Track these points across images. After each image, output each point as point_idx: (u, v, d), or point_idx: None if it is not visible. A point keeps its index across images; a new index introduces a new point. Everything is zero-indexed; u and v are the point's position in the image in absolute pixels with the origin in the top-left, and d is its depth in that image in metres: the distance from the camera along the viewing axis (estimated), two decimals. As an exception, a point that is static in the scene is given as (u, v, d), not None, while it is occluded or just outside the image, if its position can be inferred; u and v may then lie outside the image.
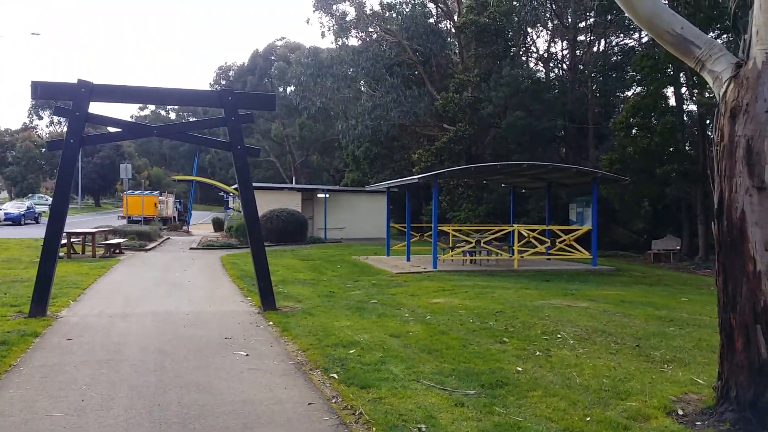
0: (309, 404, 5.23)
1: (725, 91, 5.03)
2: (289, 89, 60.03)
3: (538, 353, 7.23)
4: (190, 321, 9.02)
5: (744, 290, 4.74)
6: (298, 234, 28.29)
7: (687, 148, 26.98)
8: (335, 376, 6.01)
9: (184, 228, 40.20)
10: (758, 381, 4.59)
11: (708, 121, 25.67)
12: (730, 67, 5.03)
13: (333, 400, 5.35)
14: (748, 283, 4.71)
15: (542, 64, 41.13)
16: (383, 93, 35.23)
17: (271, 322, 8.88)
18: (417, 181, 17.27)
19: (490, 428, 4.66)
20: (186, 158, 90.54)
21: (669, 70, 25.66)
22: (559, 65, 41.30)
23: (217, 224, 40.33)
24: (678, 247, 26.48)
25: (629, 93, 39.51)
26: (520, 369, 6.50)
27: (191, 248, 24.68)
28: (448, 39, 39.83)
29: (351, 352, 7.01)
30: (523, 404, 5.30)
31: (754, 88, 4.78)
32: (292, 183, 49.22)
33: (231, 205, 42.05)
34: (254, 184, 31.16)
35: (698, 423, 4.81)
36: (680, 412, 5.10)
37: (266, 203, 28.27)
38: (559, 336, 8.15)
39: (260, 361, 6.68)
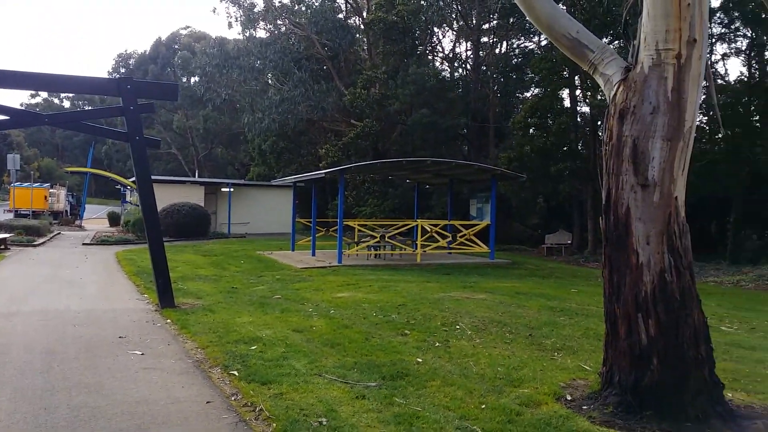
0: (207, 402, 5.13)
1: (615, 94, 5.35)
2: (193, 80, 58.18)
3: (437, 344, 7.42)
4: (82, 320, 8.60)
5: (628, 281, 5.07)
6: (200, 228, 27.54)
7: (579, 147, 28.38)
8: (235, 373, 5.92)
9: (77, 222, 38.18)
10: (638, 366, 4.92)
11: (599, 122, 27.14)
12: (620, 70, 5.35)
13: (233, 398, 5.27)
14: (632, 275, 5.04)
15: (447, 64, 42.07)
16: (291, 87, 34.83)
17: (169, 320, 8.61)
18: (324, 175, 17.24)
19: (390, 419, 4.75)
20: (81, 149, 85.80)
21: (565, 72, 26.94)
22: (463, 65, 42.42)
23: (113, 219, 38.58)
24: (569, 242, 27.88)
25: (528, 94, 41.23)
26: (420, 360, 6.65)
27: (84, 244, 23.50)
28: (357, 35, 39.91)
29: (252, 348, 6.92)
30: (422, 394, 5.43)
31: (641, 91, 5.11)
32: (194, 176, 47.76)
33: (128, 198, 40.29)
34: (154, 177, 30.02)
35: (584, 407, 5.11)
36: (569, 398, 5.39)
37: (167, 197, 27.31)
38: (457, 327, 8.40)
39: (156, 360, 6.47)
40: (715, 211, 32.45)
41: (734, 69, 51.62)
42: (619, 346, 5.11)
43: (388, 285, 12.55)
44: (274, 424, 4.58)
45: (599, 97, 24.12)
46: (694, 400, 4.77)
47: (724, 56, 27.14)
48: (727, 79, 29.58)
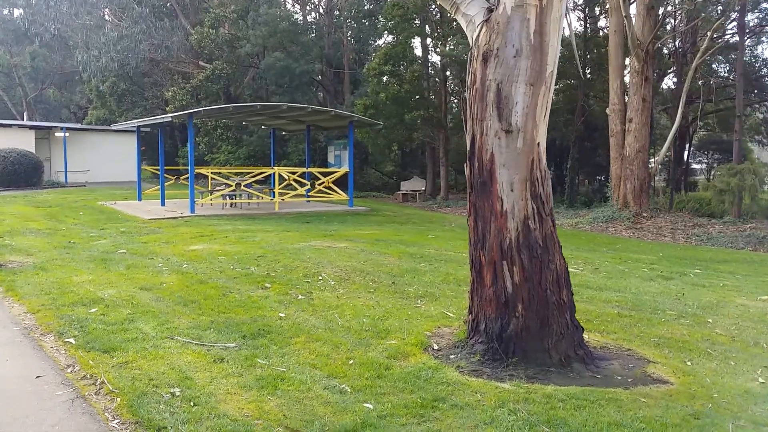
0: (37, 377, 4.47)
1: (478, 35, 5.17)
2: (17, 12, 51.75)
3: (300, 297, 7.13)
4: None
5: (492, 228, 5.02)
6: (31, 177, 24.90)
7: (431, 96, 28.84)
8: (72, 341, 5.25)
9: None
10: (504, 313, 4.94)
11: (448, 72, 27.72)
12: (483, 11, 5.17)
13: (69, 370, 4.64)
14: (496, 222, 5.00)
15: (299, 6, 40.72)
16: (131, 23, 31.96)
17: (-9, 282, 7.56)
18: (171, 120, 16.00)
19: (252, 383, 4.40)
20: None
21: (416, 21, 27.00)
22: (315, 9, 41.32)
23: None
24: (423, 188, 28.60)
25: (380, 42, 41.17)
26: (282, 315, 6.32)
27: None
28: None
29: (92, 311, 6.21)
30: (286, 353, 5.13)
31: (504, 33, 4.97)
32: (23, 120, 42.91)
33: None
34: (-29, 120, 26.41)
35: (452, 356, 5.07)
36: (435, 347, 5.34)
37: (-10, 143, 24.36)
38: (320, 278, 8.15)
39: (-25, 330, 5.60)
40: (553, 158, 34.73)
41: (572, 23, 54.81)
42: (484, 294, 5.09)
43: (245, 236, 12.00)
44: (119, 399, 4.06)
45: (449, 48, 24.50)
46: (557, 344, 4.88)
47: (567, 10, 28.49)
48: (564, 33, 31.25)
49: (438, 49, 25.04)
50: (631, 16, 20.28)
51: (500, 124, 4.99)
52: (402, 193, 27.78)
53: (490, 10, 5.13)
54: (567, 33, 29.37)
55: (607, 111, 21.38)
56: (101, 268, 8.53)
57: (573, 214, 21.52)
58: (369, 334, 5.73)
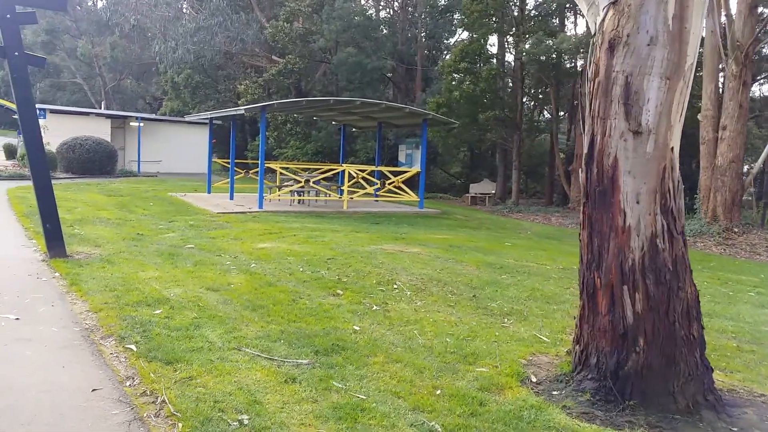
0: (93, 390, 4.02)
1: (603, 20, 4.44)
2: (100, 4, 53.48)
3: (375, 307, 6.55)
4: (-53, 272, 7.15)
5: (611, 246, 4.29)
6: (106, 166, 25.38)
7: (506, 96, 27.86)
8: (133, 347, 4.81)
9: (-34, 155, 34.59)
10: (621, 347, 4.20)
11: (524, 72, 26.68)
12: (608, -7, 4.44)
13: (128, 383, 4.18)
14: (617, 239, 4.27)
15: (373, 2, 40.36)
16: (208, 15, 32.27)
17: (57, 273, 7.28)
18: (243, 112, 15.75)
19: (329, 413, 3.83)
20: (-27, 75, 78.24)
21: (494, 18, 26.07)
22: (390, 5, 40.84)
23: (9, 151, 35.18)
24: (493, 192, 27.65)
25: (452, 39, 40.32)
26: (357, 328, 5.76)
27: (-29, 178, 21.04)
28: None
29: (157, 312, 5.80)
30: (364, 375, 4.54)
31: (636, 17, 4.23)
32: (101, 109, 44.24)
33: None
34: (54, 107, 27.21)
35: (555, 393, 4.37)
36: (534, 379, 4.65)
37: (69, 130, 24.94)
38: (395, 286, 7.55)
39: (34, 328, 5.24)
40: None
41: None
42: (598, 323, 4.36)
43: (314, 235, 11.54)
44: (180, 425, 3.55)
45: (528, 45, 23.47)
46: (684, 387, 4.11)
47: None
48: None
49: (518, 47, 23.98)
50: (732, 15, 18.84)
51: (627, 123, 4.25)
52: (471, 196, 26.92)
53: (618, -9, 4.39)
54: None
55: (699, 117, 19.98)
56: (168, 263, 8.19)
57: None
58: (455, 357, 5.09)
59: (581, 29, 32.98)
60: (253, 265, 8.45)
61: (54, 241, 8.02)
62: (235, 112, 16.00)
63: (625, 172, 4.27)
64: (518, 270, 9.23)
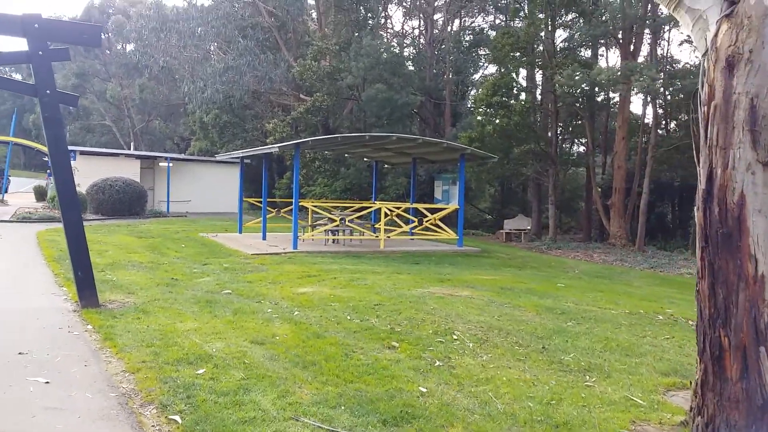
0: (135, 480, 3.41)
1: (715, 36, 3.85)
2: (128, 47, 54.43)
3: (437, 363, 5.88)
4: (-27, 325, 6.65)
5: (740, 299, 3.62)
6: (135, 206, 25.17)
7: (539, 130, 27.30)
8: (177, 419, 4.20)
9: (-1, 197, 34.84)
10: (761, 422, 3.48)
11: (559, 104, 26.11)
12: (719, 3, 3.85)
13: (175, 468, 3.56)
14: (747, 290, 3.59)
15: (396, 40, 40.39)
16: (236, 55, 32.46)
17: (90, 326, 6.74)
18: (277, 150, 15.35)
19: None
20: (8, 118, 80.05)
21: (525, 51, 25.66)
22: (416, 41, 40.87)
23: (40, 193, 35.47)
24: (528, 227, 26.86)
25: (476, 76, 40.12)
26: (423, 389, 5.09)
27: (2, 221, 20.89)
28: (307, 2, 37.65)
29: (200, 372, 5.19)
30: (446, 454, 3.86)
31: (759, 30, 3.63)
32: (130, 149, 44.59)
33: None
34: (85, 149, 27.24)
35: (682, 478, 3.65)
36: (648, 458, 3.93)
37: (99, 171, 24.89)
38: (454, 337, 6.87)
39: (66, 394, 4.66)
40: (672, 198, 32.18)
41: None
42: (727, 391, 3.66)
43: (355, 277, 10.92)
44: None
45: (562, 77, 22.92)
46: None
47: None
48: (683, 62, 29.04)
49: (552, 80, 23.45)
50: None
51: (755, 153, 3.61)
52: (505, 232, 26.14)
53: (732, 2, 3.79)
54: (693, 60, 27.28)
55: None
56: (206, 312, 7.62)
57: (705, 261, 19.23)
58: (545, 428, 4.39)
59: (612, 61, 32.37)
60: (296, 312, 7.84)
61: (86, 290, 7.51)
62: (269, 150, 15.61)
63: (754, 211, 3.62)
64: (582, 316, 8.48)
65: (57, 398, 4.55)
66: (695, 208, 3.92)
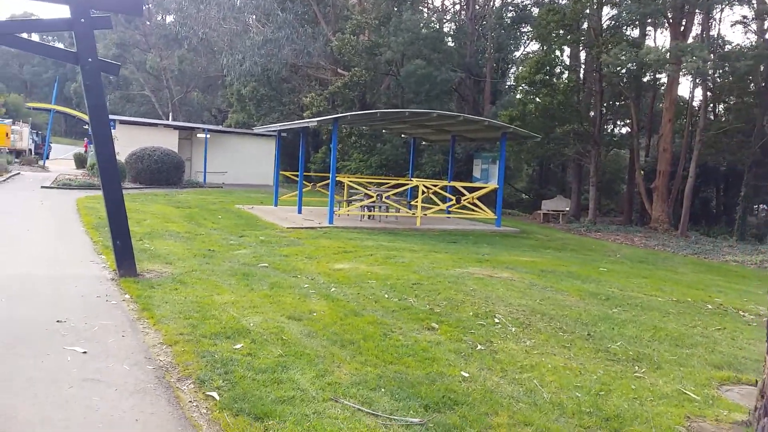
0: (173, 458, 3.31)
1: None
2: (168, 19, 54.69)
3: (479, 347, 5.69)
4: (11, 291, 6.65)
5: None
6: (173, 176, 25.35)
7: (583, 110, 26.63)
8: (215, 395, 4.09)
9: (40, 163, 35.52)
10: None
11: (604, 84, 25.35)
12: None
13: (211, 448, 3.46)
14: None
15: (437, 15, 39.65)
16: (275, 28, 32.21)
17: (127, 295, 6.71)
18: (315, 124, 15.18)
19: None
20: (51, 86, 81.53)
21: (570, 28, 24.91)
22: (457, 16, 40.10)
23: (79, 161, 36.05)
24: (567, 209, 26.32)
25: (518, 53, 39.26)
26: (466, 374, 4.91)
27: (43, 187, 21.23)
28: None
29: (238, 347, 5.10)
30: (492, 444, 3.69)
31: None
32: (169, 120, 44.96)
33: (96, 140, 37.62)
34: (124, 118, 27.47)
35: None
36: (710, 459, 3.70)
37: (138, 140, 25.10)
38: (496, 320, 6.66)
39: (103, 365, 4.60)
40: (715, 183, 31.23)
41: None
42: (802, 392, 3.39)
43: (391, 255, 10.75)
44: None
45: (609, 56, 22.18)
46: None
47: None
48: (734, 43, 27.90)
49: (598, 58, 22.71)
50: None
51: None
52: (543, 213, 25.67)
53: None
54: (747, 41, 26.15)
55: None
56: (243, 285, 7.54)
57: (753, 249, 18.60)
58: (595, 421, 4.18)
59: (660, 41, 31.16)
60: (333, 289, 7.71)
61: (124, 259, 7.49)
62: (306, 124, 15.44)
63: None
64: (627, 302, 8.18)
65: (94, 369, 4.49)
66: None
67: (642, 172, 26.37)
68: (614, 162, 34.46)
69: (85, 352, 4.82)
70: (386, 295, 7.50)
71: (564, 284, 9.14)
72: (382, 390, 4.45)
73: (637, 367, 5.46)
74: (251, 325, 5.79)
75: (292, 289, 7.49)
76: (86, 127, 42.13)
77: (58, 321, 5.59)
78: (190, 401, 4.04)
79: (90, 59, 7.24)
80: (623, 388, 4.86)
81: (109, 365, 4.58)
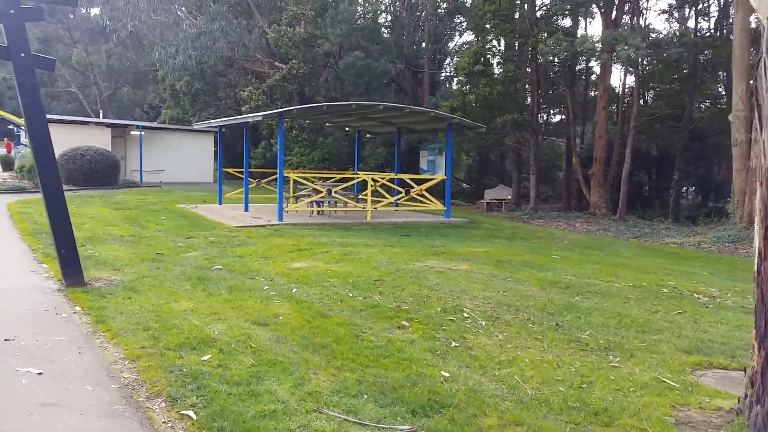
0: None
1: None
2: (93, 11, 52.45)
3: (453, 344, 5.60)
4: (-50, 308, 6.15)
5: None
6: (108, 176, 24.31)
7: (521, 100, 27.04)
8: (191, 414, 3.83)
9: (-40, 167, 33.57)
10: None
11: (540, 73, 25.79)
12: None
13: (198, 474, 3.21)
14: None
15: (373, 6, 39.43)
16: (208, 20, 31.27)
17: (78, 307, 6.28)
18: (261, 119, 14.77)
19: None
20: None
21: (507, 16, 25.18)
22: (390, 8, 39.99)
23: (6, 163, 34.24)
24: (509, 197, 26.73)
25: (451, 44, 39.54)
26: (446, 374, 4.81)
27: (-33, 192, 20.00)
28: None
29: (206, 359, 4.82)
30: (488, 448, 3.58)
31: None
32: (99, 118, 43.14)
33: (23, 140, 35.77)
34: (52, 117, 26.08)
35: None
36: (703, 449, 3.70)
37: (68, 140, 23.89)
38: (465, 315, 6.59)
39: (63, 386, 4.25)
40: (648, 168, 32.33)
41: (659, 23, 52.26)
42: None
43: (348, 251, 10.56)
44: None
45: (551, 44, 22.55)
46: None
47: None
48: (661, 31, 28.91)
49: (535, 48, 23.05)
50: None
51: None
52: (486, 202, 25.99)
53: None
54: (672, 30, 27.17)
55: (730, 118, 19.19)
56: (200, 290, 7.21)
57: (688, 231, 19.33)
58: (583, 416, 4.14)
59: (591, 31, 31.86)
60: (294, 290, 7.47)
61: (70, 268, 7.03)
62: (251, 119, 14.99)
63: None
64: (587, 290, 8.27)
65: (54, 392, 4.15)
66: (757, 184, 3.63)
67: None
68: (550, 150, 35.20)
69: (41, 373, 4.45)
70: (350, 294, 7.32)
71: (522, 274, 9.18)
72: (365, 396, 4.29)
73: (611, 357, 5.48)
74: (216, 333, 5.52)
75: (252, 292, 7.21)
76: (10, 127, 39.94)
77: (6, 339, 5.16)
78: (164, 422, 3.77)
79: (23, 54, 6.73)
80: (603, 379, 4.86)
81: (69, 386, 4.24)
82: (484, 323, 6.32)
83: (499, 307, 7.01)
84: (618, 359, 5.42)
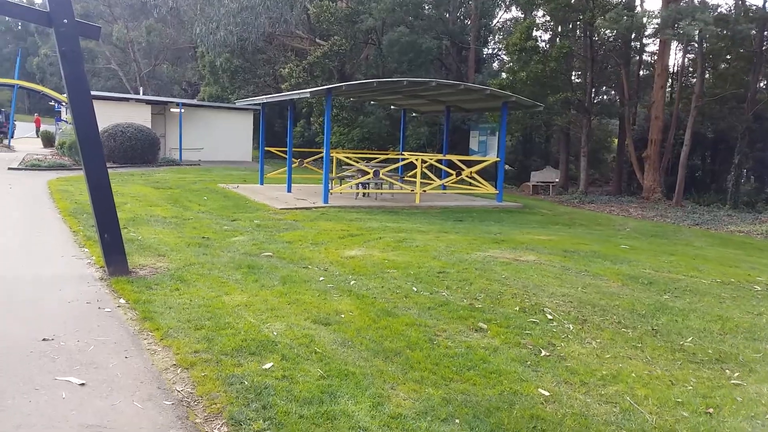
0: None
1: None
2: (134, -13, 52.31)
3: (543, 352, 4.90)
4: (-15, 297, 5.67)
5: None
6: (148, 154, 24.02)
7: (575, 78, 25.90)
8: (261, 443, 3.23)
9: (5, 142, 33.70)
10: None
11: (598, 51, 24.55)
12: None
13: None
14: None
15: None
16: (249, -4, 30.69)
17: (123, 300, 5.74)
18: (308, 95, 14.09)
19: None
20: (11, 61, 78.03)
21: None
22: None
23: (47, 139, 34.35)
24: (557, 180, 25.71)
25: (495, 21, 38.18)
26: (545, 393, 4.12)
27: (10, 168, 19.85)
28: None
29: (267, 367, 4.22)
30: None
31: None
32: (139, 94, 43.07)
33: (64, 116, 35.88)
34: (94, 93, 25.98)
35: None
36: None
37: (108, 116, 23.61)
38: (547, 316, 5.87)
39: (108, 402, 3.68)
40: (704, 150, 30.88)
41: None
42: None
43: (401, 237, 9.88)
44: None
45: (604, 21, 21.30)
46: None
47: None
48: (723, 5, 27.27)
49: (592, 23, 21.85)
50: None
51: None
52: (532, 185, 25.03)
53: None
54: (737, 3, 25.49)
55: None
56: (252, 281, 6.62)
57: (752, 218, 18.18)
58: (726, 454, 3.41)
59: (648, 6, 30.32)
60: (352, 282, 6.84)
61: (114, 255, 6.50)
62: (298, 96, 14.32)
63: None
64: (674, 287, 7.45)
65: (98, 409, 3.57)
66: None
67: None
68: (598, 130, 33.89)
69: (83, 384, 3.88)
70: (414, 288, 6.65)
71: (596, 267, 8.38)
72: (457, 421, 3.63)
73: (728, 372, 4.72)
74: (275, 334, 4.91)
75: (307, 284, 6.60)
76: (52, 103, 40.12)
77: (44, 339, 4.62)
78: (229, 453, 3.17)
79: (66, 20, 6.15)
80: (729, 402, 4.12)
81: (115, 402, 3.66)
82: (571, 327, 5.60)
83: (582, 306, 6.27)
84: (737, 374, 4.66)
